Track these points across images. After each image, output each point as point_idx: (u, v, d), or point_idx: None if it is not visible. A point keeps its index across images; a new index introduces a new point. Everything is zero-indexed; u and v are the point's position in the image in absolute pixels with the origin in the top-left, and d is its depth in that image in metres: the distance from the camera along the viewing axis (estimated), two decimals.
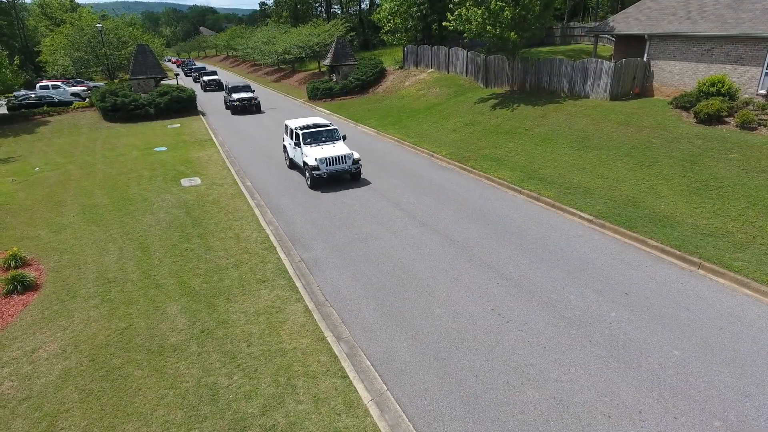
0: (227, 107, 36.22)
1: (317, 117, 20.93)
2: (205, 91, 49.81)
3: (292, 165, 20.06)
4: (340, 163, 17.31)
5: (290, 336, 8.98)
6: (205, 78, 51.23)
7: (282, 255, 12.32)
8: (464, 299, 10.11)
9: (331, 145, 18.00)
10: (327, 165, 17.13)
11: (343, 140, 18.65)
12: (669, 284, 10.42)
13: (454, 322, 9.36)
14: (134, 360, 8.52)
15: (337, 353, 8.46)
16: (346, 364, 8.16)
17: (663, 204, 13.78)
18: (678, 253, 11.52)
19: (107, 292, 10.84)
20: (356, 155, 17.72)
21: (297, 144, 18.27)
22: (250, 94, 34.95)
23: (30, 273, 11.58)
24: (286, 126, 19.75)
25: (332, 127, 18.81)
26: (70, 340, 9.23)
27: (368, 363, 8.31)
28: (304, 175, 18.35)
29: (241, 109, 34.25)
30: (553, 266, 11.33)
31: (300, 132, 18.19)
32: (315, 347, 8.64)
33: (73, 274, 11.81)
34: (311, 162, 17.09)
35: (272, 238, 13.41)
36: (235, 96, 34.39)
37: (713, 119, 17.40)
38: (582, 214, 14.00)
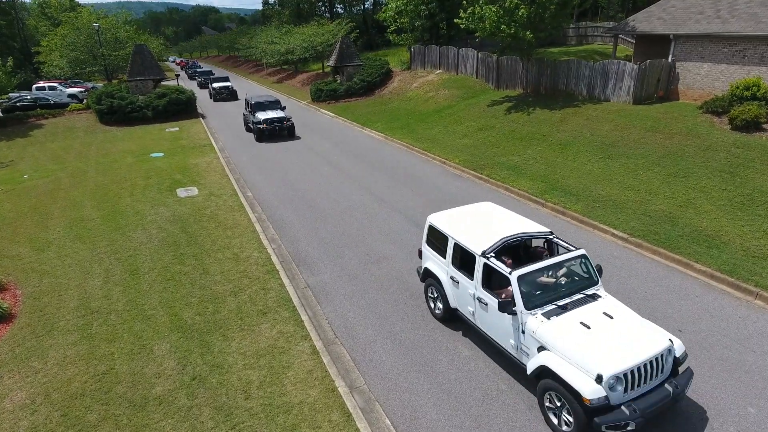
0: (249, 130, 27.89)
1: (505, 212, 9.50)
2: (216, 100, 41.86)
3: (452, 316, 9.12)
4: (654, 373, 6.63)
5: (295, 386, 7.71)
6: (216, 85, 42.41)
7: (285, 280, 11.05)
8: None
9: (600, 313, 7.19)
10: (632, 386, 6.42)
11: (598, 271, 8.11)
12: (726, 318, 9.13)
13: (485, 366, 8.08)
14: (112, 416, 7.27)
15: (350, 409, 7.20)
16: (362, 425, 6.90)
17: (705, 221, 12.48)
18: (730, 279, 10.23)
19: (88, 326, 9.59)
20: (677, 346, 7.01)
21: (502, 304, 7.33)
22: (280, 114, 26.00)
23: (4, 302, 10.33)
24: (440, 233, 9.05)
25: (579, 253, 7.96)
26: (42, 387, 7.98)
27: (388, 422, 7.05)
28: (543, 405, 7.00)
29: (269, 134, 25.67)
30: None
31: (515, 277, 7.36)
32: (325, 401, 7.38)
33: (53, 301, 10.57)
34: (586, 387, 6.25)
35: (275, 258, 12.14)
36: (261, 116, 25.42)
37: (751, 126, 16.08)
38: (615, 232, 12.71)
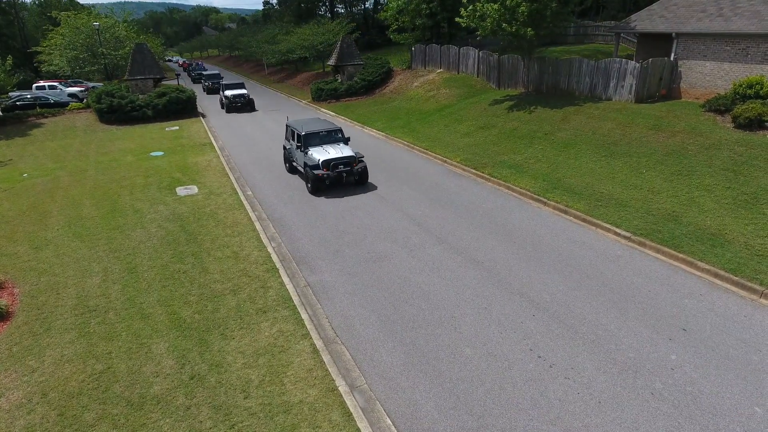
0: (292, 170, 19.30)
1: None
2: (229, 110, 35.00)
3: None
4: None
5: (295, 385, 7.61)
6: (229, 93, 35.14)
7: (285, 278, 10.95)
8: (496, 336, 8.73)
9: None
10: None
11: None
12: (731, 318, 9.02)
13: (487, 366, 7.98)
14: (110, 415, 7.17)
15: (351, 408, 7.09)
16: (362, 425, 6.79)
17: (708, 219, 12.37)
18: (734, 278, 10.12)
19: (86, 324, 9.49)
20: None
21: None
22: (346, 151, 16.87)
23: (1, 300, 10.23)
24: None
25: None
26: (38, 386, 7.88)
27: (389, 422, 6.94)
28: None
29: (333, 182, 16.62)
30: (595, 294, 9.94)
31: None
32: (325, 401, 7.27)
33: (50, 300, 10.47)
34: None
35: (274, 257, 12.04)
36: (317, 155, 16.49)
37: (754, 124, 15.96)
38: (618, 231, 12.59)
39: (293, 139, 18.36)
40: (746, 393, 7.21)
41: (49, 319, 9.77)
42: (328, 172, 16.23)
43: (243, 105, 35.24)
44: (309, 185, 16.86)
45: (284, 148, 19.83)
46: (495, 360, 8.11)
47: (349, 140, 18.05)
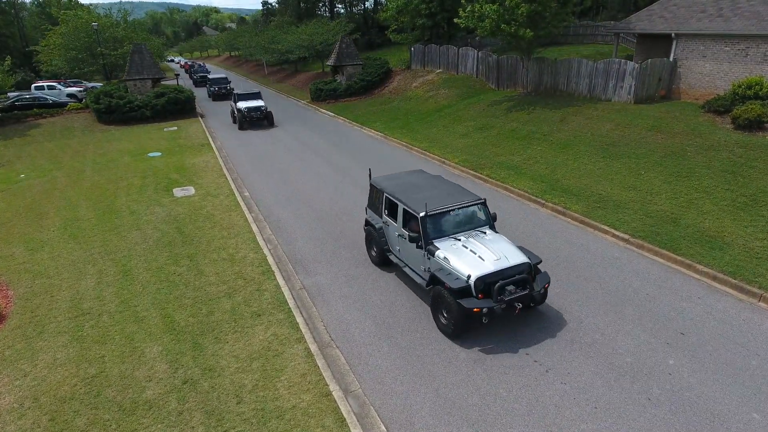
0: (384, 261, 11.25)
1: None
2: (242, 127, 29.09)
3: None
4: None
5: (289, 390, 7.53)
6: (243, 105, 29.06)
7: (281, 281, 10.87)
8: (492, 340, 8.65)
9: None
10: None
11: None
12: (729, 321, 8.95)
13: (482, 370, 7.90)
14: (101, 420, 7.10)
15: (345, 414, 7.02)
16: (356, 431, 6.72)
17: (707, 221, 12.29)
18: (733, 281, 10.05)
19: (79, 328, 9.42)
20: None
21: None
22: (513, 252, 8.96)
23: None
24: None
25: None
26: (30, 390, 7.81)
27: (383, 428, 6.86)
28: None
29: (493, 317, 8.40)
30: (592, 297, 9.86)
31: None
32: (318, 406, 7.20)
33: (44, 303, 10.40)
34: None
35: (270, 259, 11.96)
36: (461, 263, 8.60)
37: (753, 125, 15.88)
38: (616, 233, 12.51)
39: (392, 215, 10.64)
40: (745, 398, 7.13)
41: (43, 322, 9.69)
42: (492, 304, 8.24)
43: (259, 119, 29.48)
44: (443, 319, 8.85)
45: (367, 223, 11.85)
46: (491, 365, 8.03)
47: (496, 218, 10.36)
